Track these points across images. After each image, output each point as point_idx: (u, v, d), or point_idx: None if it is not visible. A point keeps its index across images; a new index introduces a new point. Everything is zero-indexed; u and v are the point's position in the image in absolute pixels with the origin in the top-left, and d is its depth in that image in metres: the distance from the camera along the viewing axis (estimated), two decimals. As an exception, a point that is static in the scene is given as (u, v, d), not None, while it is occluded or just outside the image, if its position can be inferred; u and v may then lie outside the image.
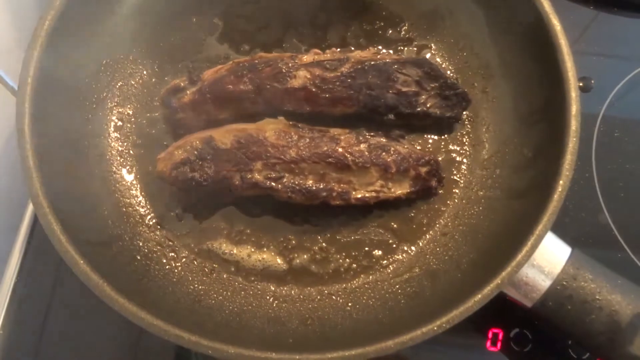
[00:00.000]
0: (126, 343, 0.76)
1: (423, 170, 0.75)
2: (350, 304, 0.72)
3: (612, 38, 0.99)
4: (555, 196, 0.65)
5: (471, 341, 0.77)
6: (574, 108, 0.69)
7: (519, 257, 0.63)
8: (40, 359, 0.75)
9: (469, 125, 0.82)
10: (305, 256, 0.75)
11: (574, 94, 0.69)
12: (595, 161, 0.87)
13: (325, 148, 0.72)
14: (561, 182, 0.66)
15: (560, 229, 0.69)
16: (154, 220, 0.75)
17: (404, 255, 0.75)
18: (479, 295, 0.61)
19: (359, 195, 0.73)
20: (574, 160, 0.67)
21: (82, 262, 0.61)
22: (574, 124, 0.68)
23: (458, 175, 0.79)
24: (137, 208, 0.76)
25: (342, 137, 0.73)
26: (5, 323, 0.77)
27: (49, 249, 0.63)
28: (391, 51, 0.85)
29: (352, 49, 0.84)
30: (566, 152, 0.67)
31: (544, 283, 0.66)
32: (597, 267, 0.68)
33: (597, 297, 0.66)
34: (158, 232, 0.75)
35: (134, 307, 0.60)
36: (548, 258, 0.67)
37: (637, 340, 0.64)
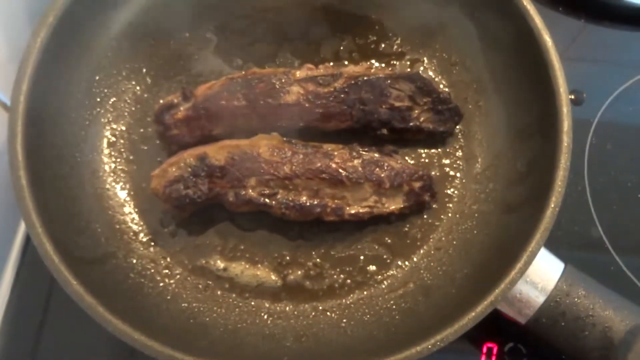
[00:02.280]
0: (120, 359, 0.76)
1: (416, 185, 0.75)
2: (344, 320, 0.72)
3: (606, 50, 0.99)
4: (548, 212, 0.65)
5: (466, 355, 0.77)
6: (566, 124, 0.69)
7: (513, 274, 0.63)
8: (34, 376, 0.75)
9: (462, 140, 0.82)
10: (299, 272, 0.75)
11: (565, 109, 0.70)
12: (587, 174, 0.87)
13: (319, 164, 0.72)
14: (554, 198, 0.66)
15: (553, 243, 0.69)
16: (147, 237, 0.75)
17: (398, 270, 0.75)
18: (473, 313, 0.61)
19: (353, 211, 0.73)
20: (566, 175, 0.67)
21: (75, 282, 0.61)
22: (565, 140, 0.69)
23: (451, 190, 0.80)
24: (131, 225, 0.75)
25: (336, 153, 0.73)
26: (-1, 340, 0.76)
27: (43, 265, 0.62)
28: (383, 65, 0.85)
29: (346, 63, 0.85)
30: (558, 167, 0.67)
31: (538, 299, 0.66)
32: (590, 283, 0.68)
33: (591, 313, 0.66)
34: (152, 249, 0.74)
35: (127, 328, 0.59)
36: (541, 274, 0.67)
37: (631, 356, 0.64)
